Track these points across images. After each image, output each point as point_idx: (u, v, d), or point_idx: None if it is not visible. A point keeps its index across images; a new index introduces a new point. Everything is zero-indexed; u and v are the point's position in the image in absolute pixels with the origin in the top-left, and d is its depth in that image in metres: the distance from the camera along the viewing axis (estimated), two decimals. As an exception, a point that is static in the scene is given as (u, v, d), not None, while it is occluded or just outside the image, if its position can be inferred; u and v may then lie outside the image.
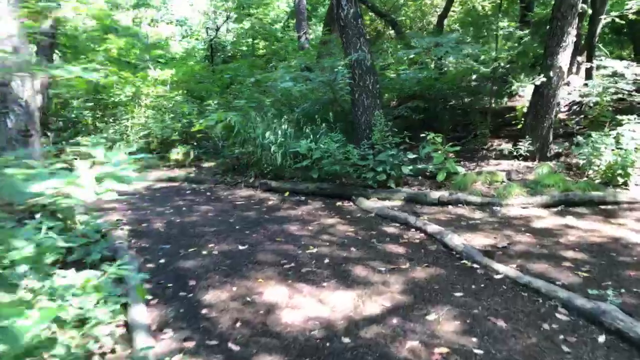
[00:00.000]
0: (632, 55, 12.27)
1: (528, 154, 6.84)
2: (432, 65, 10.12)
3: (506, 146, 7.73)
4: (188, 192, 7.17)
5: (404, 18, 15.17)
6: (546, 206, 5.41)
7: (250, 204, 6.28)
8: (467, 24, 12.08)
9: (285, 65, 10.30)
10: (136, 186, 7.73)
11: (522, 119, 7.59)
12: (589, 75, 8.70)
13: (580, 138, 6.10)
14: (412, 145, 7.38)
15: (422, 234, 4.80)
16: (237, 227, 5.16)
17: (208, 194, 6.97)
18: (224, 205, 6.22)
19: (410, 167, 6.29)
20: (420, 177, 6.70)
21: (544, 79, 6.53)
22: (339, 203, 6.23)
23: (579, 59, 9.81)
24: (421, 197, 5.89)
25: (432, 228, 4.76)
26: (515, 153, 6.98)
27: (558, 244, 4.30)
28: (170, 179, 7.96)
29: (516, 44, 8.84)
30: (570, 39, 6.45)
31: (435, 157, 6.22)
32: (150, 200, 6.66)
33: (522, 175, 6.35)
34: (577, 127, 7.62)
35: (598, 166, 5.76)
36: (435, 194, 5.84)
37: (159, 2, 25.04)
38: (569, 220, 4.96)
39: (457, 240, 4.38)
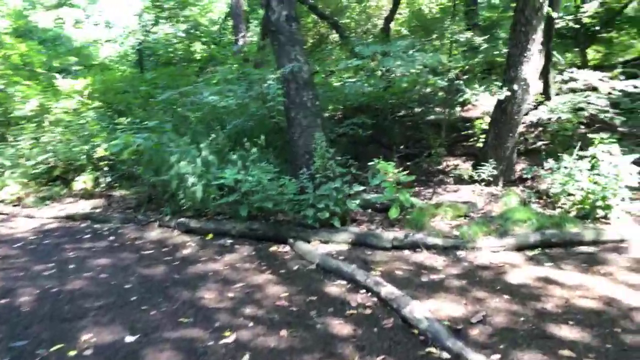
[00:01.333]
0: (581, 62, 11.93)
1: (491, 179, 5.96)
2: (379, 73, 9.17)
3: (464, 167, 6.87)
4: (87, 235, 5.78)
5: (348, 20, 14.21)
6: (519, 249, 4.51)
7: (160, 254, 5.01)
8: (415, 28, 11.27)
9: (223, 71, 9.06)
10: (24, 228, 6.27)
11: (482, 136, 6.75)
12: (546, 83, 8.02)
13: (552, 161, 5.26)
14: (359, 168, 6.37)
15: (375, 298, 3.76)
16: (132, 297, 3.91)
17: (111, 238, 5.62)
18: (126, 257, 4.91)
19: (357, 202, 5.23)
20: (369, 210, 5.69)
21: (508, 93, 5.65)
22: (273, 248, 5.09)
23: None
24: (371, 240, 4.85)
25: (387, 290, 3.72)
26: (476, 177, 6.08)
27: (544, 312, 3.34)
28: (69, 217, 6.49)
29: (465, 48, 8.04)
30: (536, 47, 5.61)
31: (387, 189, 5.20)
32: (32, 251, 5.24)
33: (487, 205, 5.46)
34: (541, 144, 6.84)
35: (573, 196, 4.94)
36: (389, 236, 4.81)
37: (86, 2, 22.86)
38: (549, 271, 4.04)
39: (418, 311, 3.35)
